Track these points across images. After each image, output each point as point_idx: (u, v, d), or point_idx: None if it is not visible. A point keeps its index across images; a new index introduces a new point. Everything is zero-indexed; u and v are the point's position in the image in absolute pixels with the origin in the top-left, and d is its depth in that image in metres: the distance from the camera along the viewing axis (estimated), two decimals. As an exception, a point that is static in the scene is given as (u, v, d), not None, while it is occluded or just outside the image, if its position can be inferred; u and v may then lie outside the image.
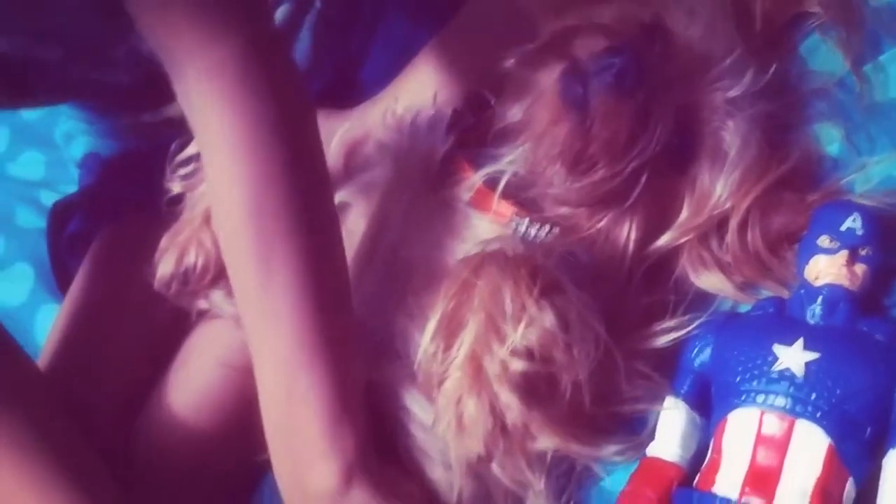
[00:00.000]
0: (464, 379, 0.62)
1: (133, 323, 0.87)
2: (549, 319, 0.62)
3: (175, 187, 0.79)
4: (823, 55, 0.80)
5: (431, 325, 0.64)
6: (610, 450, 0.69)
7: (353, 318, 0.70)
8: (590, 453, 0.69)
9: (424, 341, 0.64)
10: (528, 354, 0.62)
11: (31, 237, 1.04)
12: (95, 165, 1.01)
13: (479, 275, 0.63)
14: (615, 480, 0.72)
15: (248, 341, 0.69)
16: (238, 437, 0.80)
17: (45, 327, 0.97)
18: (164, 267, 0.76)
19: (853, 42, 0.78)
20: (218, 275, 0.77)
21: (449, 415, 0.63)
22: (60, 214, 1.00)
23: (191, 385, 0.84)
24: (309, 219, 0.67)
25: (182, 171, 0.78)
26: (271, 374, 0.68)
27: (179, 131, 0.79)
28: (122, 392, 0.87)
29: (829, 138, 0.77)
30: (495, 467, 0.67)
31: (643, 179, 0.70)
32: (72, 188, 1.05)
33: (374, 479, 0.67)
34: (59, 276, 1.00)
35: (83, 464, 0.75)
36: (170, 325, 0.87)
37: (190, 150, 0.77)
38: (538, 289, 0.62)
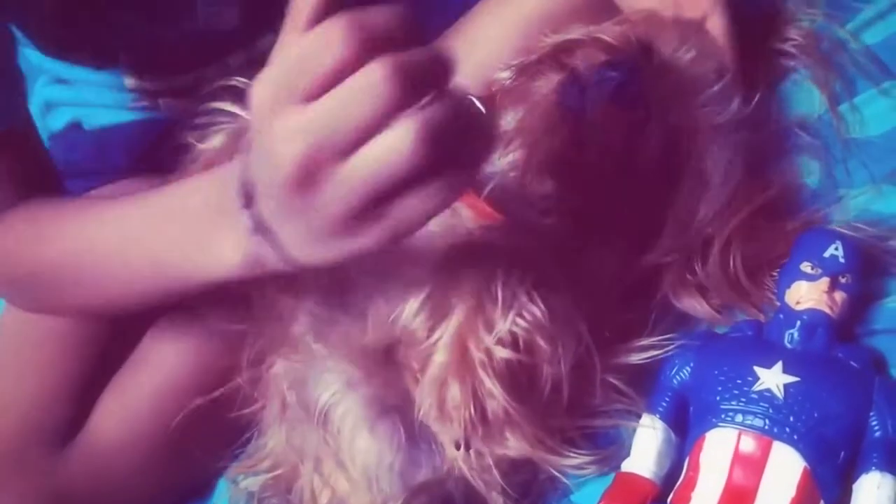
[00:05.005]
0: (450, 363, 0.62)
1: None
2: (538, 311, 0.62)
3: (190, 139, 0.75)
4: (803, 94, 0.83)
5: (414, 305, 0.64)
6: (574, 461, 0.69)
7: None
8: (555, 462, 0.69)
9: (406, 318, 0.64)
10: (514, 344, 0.62)
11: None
12: (78, 137, 0.97)
13: (470, 261, 0.63)
14: (584, 495, 0.71)
15: None
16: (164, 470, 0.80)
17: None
18: None
19: (829, 83, 0.82)
20: None
21: (431, 398, 0.62)
22: None
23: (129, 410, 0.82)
24: None
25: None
26: None
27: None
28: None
29: (808, 170, 0.79)
30: (463, 460, 0.67)
31: (628, 197, 0.71)
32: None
33: None
34: None
35: None
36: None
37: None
38: (530, 280, 0.63)
